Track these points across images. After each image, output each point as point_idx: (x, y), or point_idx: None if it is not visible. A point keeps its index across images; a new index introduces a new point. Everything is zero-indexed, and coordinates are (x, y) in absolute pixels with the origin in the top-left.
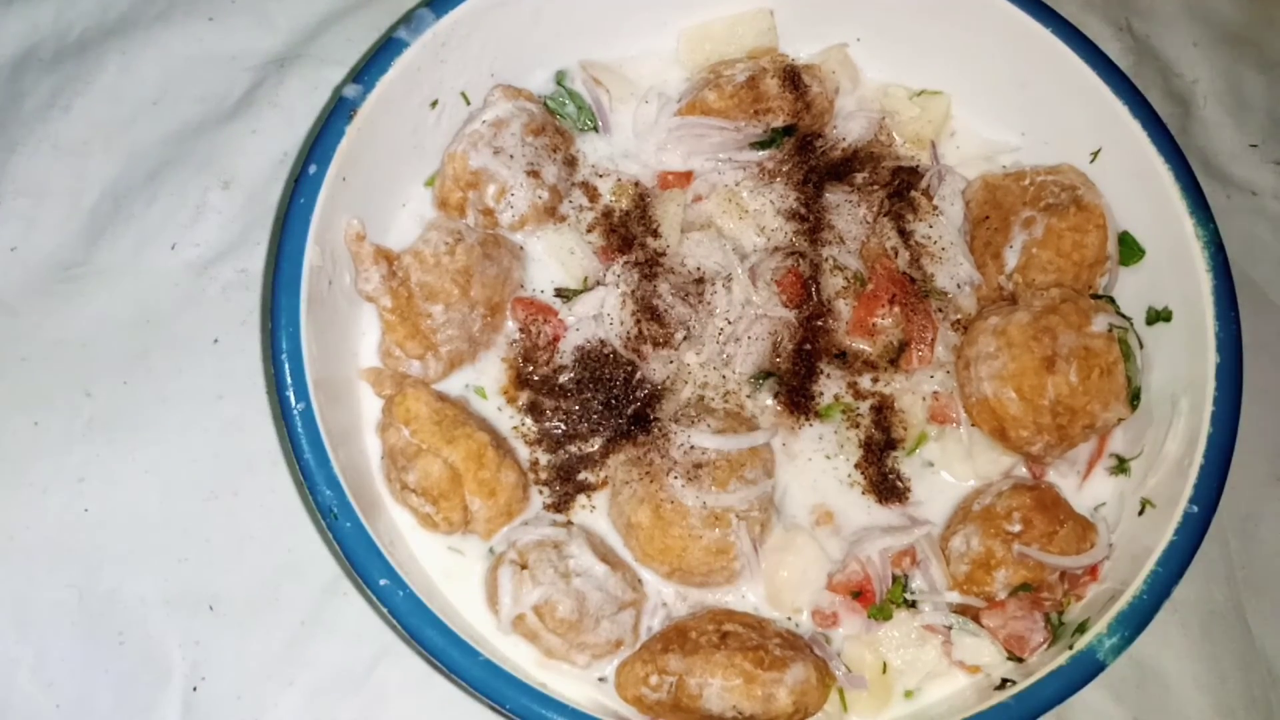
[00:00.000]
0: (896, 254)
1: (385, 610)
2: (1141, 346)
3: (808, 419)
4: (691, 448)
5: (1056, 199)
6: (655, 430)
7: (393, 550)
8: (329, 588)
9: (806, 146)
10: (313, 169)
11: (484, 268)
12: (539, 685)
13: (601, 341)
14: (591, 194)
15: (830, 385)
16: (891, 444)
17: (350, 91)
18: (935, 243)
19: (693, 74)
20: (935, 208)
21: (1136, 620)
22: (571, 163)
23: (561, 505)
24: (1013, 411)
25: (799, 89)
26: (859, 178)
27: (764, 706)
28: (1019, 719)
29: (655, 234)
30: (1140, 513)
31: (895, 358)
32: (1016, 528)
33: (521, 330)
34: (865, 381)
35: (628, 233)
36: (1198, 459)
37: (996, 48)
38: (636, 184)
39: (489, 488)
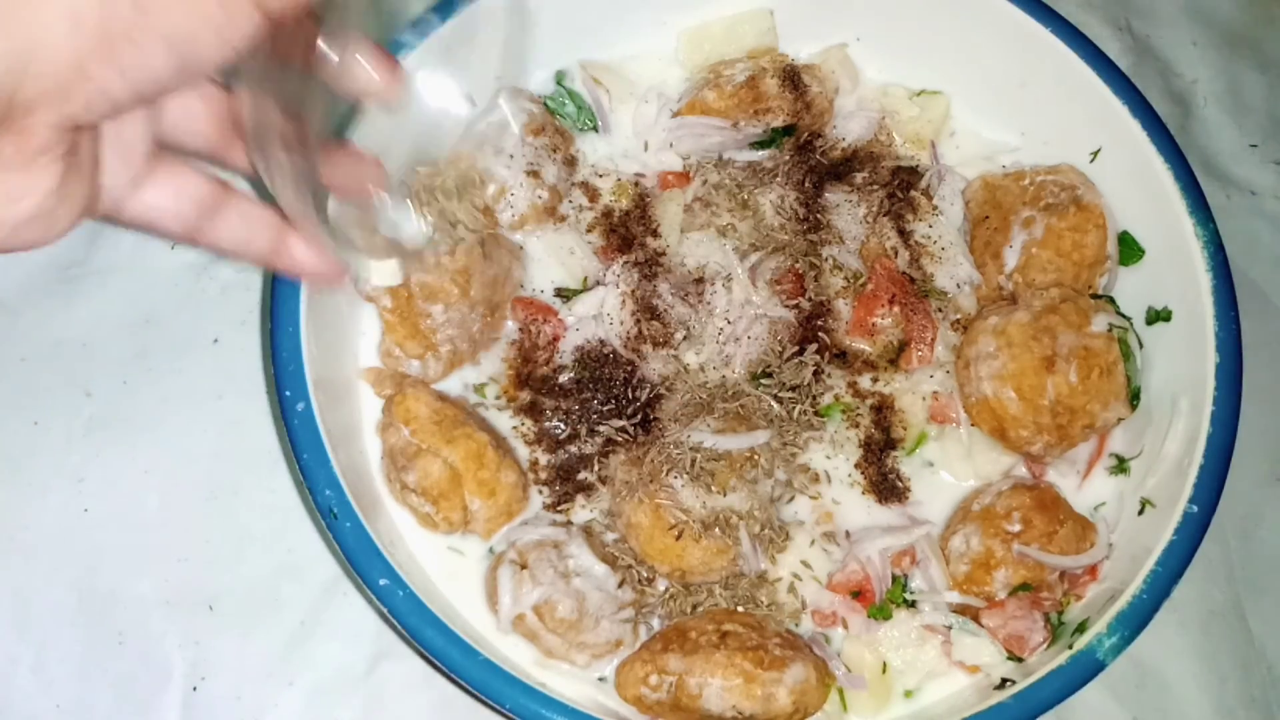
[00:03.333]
0: (896, 254)
1: (385, 610)
2: (1141, 346)
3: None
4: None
5: (1056, 199)
6: (655, 430)
7: (393, 550)
8: (329, 588)
9: (806, 146)
10: None
11: (484, 268)
12: (538, 685)
13: (601, 341)
14: (591, 194)
15: (830, 385)
16: (891, 444)
17: None
18: (935, 243)
19: (692, 74)
20: (935, 208)
21: (1136, 620)
22: (571, 163)
23: (561, 505)
24: (1013, 411)
25: (799, 89)
26: (859, 178)
27: (764, 706)
28: (1019, 719)
29: (655, 234)
30: (1140, 512)
31: (895, 358)
32: (1016, 527)
33: (521, 330)
34: (865, 381)
35: (628, 233)
36: (1198, 459)
37: (996, 48)
38: (636, 184)
39: (489, 488)
